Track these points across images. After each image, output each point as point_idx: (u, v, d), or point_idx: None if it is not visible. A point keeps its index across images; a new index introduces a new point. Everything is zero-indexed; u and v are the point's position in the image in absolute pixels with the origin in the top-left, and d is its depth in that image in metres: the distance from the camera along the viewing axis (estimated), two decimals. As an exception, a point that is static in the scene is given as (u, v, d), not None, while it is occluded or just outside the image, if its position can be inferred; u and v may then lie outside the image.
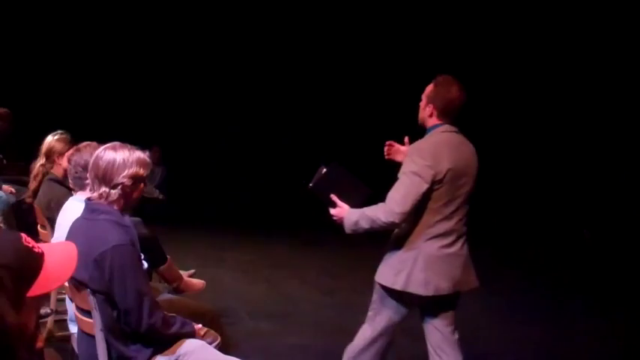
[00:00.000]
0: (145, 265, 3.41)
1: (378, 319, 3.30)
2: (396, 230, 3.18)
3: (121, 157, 2.66)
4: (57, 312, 4.11)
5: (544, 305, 5.96)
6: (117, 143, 2.73)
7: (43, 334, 3.96)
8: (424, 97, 3.22)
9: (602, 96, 8.83)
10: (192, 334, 2.80)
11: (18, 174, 5.74)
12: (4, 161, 5.95)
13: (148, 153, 2.80)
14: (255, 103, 10.72)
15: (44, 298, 3.61)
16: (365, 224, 3.08)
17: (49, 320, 4.14)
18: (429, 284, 3.09)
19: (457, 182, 3.09)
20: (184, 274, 4.31)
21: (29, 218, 4.57)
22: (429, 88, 3.21)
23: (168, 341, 2.73)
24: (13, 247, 1.45)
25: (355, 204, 3.19)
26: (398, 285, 3.13)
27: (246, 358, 3.02)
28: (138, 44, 10.07)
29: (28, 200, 4.56)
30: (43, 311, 3.98)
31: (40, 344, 1.51)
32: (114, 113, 9.70)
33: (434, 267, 3.10)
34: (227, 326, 3.77)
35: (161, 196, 9.17)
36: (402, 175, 3.06)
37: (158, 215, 7.32)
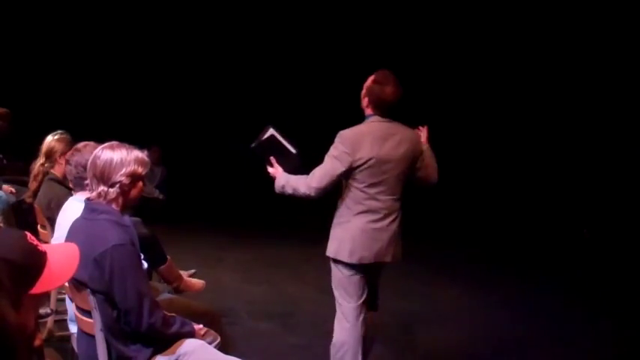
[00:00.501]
0: (145, 265, 3.41)
1: (334, 293, 3.67)
2: (337, 206, 3.64)
3: (119, 156, 2.67)
4: (57, 312, 4.11)
5: (543, 305, 5.96)
6: (115, 142, 2.74)
7: (42, 333, 3.96)
8: (364, 88, 3.62)
9: (602, 96, 8.83)
10: (192, 334, 2.80)
11: (18, 174, 5.73)
12: (4, 161, 5.95)
13: (146, 152, 2.80)
14: (254, 103, 10.71)
15: (44, 297, 3.62)
16: (289, 190, 3.59)
17: (49, 320, 4.13)
18: (354, 254, 3.53)
19: (381, 168, 3.50)
20: (184, 274, 4.31)
21: (29, 218, 4.57)
22: (369, 82, 3.61)
23: (169, 341, 2.73)
24: (19, 244, 1.47)
25: (287, 169, 3.68)
26: (331, 253, 3.61)
27: (246, 358, 3.02)
28: (138, 44, 10.07)
29: (28, 200, 4.55)
30: (43, 311, 4.00)
31: (38, 342, 1.52)
32: (113, 113, 9.69)
33: (360, 239, 3.53)
34: (227, 326, 3.77)
35: (161, 196, 9.16)
36: (326, 156, 3.53)
37: (158, 215, 7.33)
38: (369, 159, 3.47)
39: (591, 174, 8.88)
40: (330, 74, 10.16)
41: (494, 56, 9.35)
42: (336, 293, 3.67)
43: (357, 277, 3.60)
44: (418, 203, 9.21)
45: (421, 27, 9.52)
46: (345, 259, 3.55)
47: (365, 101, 3.61)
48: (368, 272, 3.63)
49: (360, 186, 3.52)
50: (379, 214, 3.55)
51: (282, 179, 3.64)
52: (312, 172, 3.54)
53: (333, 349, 3.67)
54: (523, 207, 9.18)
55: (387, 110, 3.57)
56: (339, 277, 3.62)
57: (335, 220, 3.64)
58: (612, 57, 8.55)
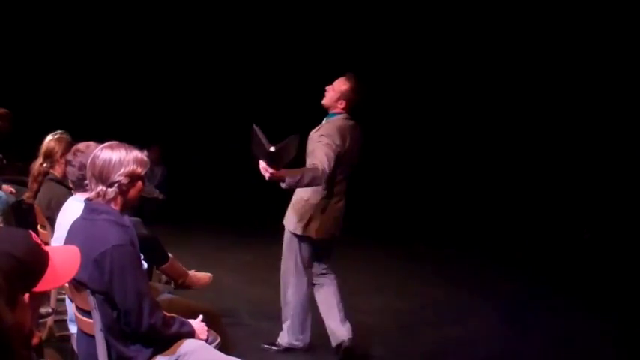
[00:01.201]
0: (145, 265, 3.41)
1: (289, 263, 4.27)
2: (305, 189, 4.08)
3: (118, 156, 2.67)
4: (57, 312, 4.11)
5: (543, 306, 5.96)
6: (115, 142, 2.74)
7: (43, 333, 3.96)
8: (338, 92, 4.12)
9: (602, 96, 8.82)
10: (192, 334, 2.80)
11: (18, 174, 5.73)
12: (4, 161, 5.95)
13: (146, 152, 2.80)
14: (253, 104, 10.71)
15: (44, 297, 3.62)
16: (306, 180, 3.82)
17: (49, 320, 4.13)
18: (319, 231, 4.15)
19: (349, 158, 4.12)
20: (187, 271, 4.31)
21: (29, 218, 4.57)
22: (345, 87, 4.12)
23: (168, 341, 2.73)
24: (24, 242, 1.50)
25: (286, 164, 3.85)
26: (299, 230, 4.16)
27: (246, 358, 3.02)
28: (137, 44, 10.06)
29: (28, 200, 4.55)
30: (43, 311, 3.99)
31: (36, 340, 1.53)
32: (113, 113, 9.68)
33: (325, 218, 4.14)
34: (227, 326, 3.77)
35: (161, 196, 9.16)
36: (323, 146, 3.94)
37: (158, 215, 7.32)
38: (347, 149, 4.05)
39: (591, 174, 8.87)
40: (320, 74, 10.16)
41: (495, 56, 9.35)
42: (289, 262, 4.26)
43: (311, 249, 4.21)
44: (418, 204, 9.24)
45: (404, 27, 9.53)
46: (312, 236, 4.14)
47: (340, 104, 4.12)
48: (325, 245, 4.25)
49: (333, 174, 4.02)
50: (338, 197, 4.20)
51: (295, 174, 3.84)
52: (321, 160, 3.89)
53: (286, 308, 4.36)
54: (523, 207, 9.18)
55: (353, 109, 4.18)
56: (295, 248, 4.21)
57: (302, 202, 4.15)
58: (612, 57, 8.54)
